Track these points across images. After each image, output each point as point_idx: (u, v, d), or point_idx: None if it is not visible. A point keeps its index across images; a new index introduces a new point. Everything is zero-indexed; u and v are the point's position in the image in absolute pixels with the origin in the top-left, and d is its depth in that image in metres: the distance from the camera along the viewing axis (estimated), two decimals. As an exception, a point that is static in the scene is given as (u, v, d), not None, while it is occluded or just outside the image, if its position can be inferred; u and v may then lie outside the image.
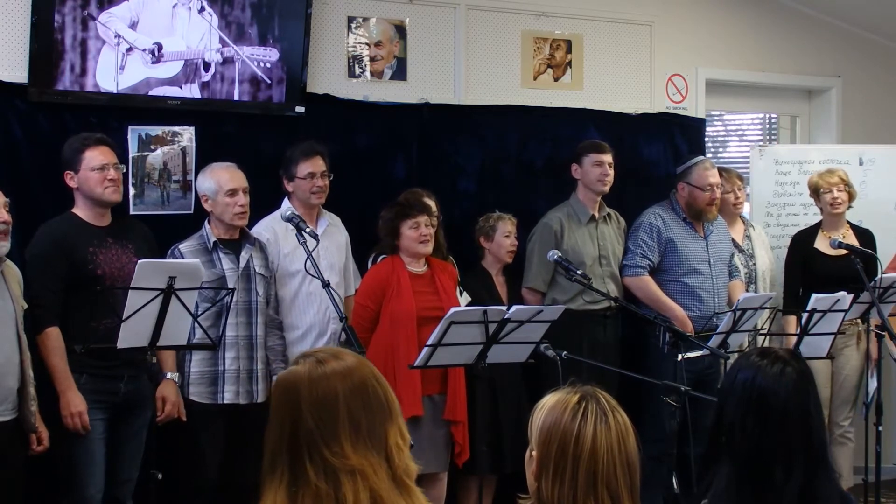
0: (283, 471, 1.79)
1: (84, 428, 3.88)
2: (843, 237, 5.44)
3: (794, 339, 4.71)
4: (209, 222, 4.36)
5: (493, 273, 5.08)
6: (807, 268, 5.53)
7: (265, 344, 4.38)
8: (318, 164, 4.58)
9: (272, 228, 4.53)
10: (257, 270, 4.35)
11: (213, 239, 4.30)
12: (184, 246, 4.27)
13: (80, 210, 4.07)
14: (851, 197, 5.55)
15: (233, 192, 4.29)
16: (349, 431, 1.80)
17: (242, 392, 4.29)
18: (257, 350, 4.33)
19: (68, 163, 4.04)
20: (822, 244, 5.48)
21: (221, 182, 4.30)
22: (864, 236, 5.56)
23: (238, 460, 4.26)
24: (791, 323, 5.35)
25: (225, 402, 4.25)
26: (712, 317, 5.06)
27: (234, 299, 4.12)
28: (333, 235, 4.71)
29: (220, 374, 4.24)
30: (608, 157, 5.19)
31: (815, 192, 5.58)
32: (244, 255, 4.33)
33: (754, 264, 5.59)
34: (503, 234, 5.05)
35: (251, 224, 4.56)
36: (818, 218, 5.73)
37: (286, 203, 4.53)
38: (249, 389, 4.31)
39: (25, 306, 3.78)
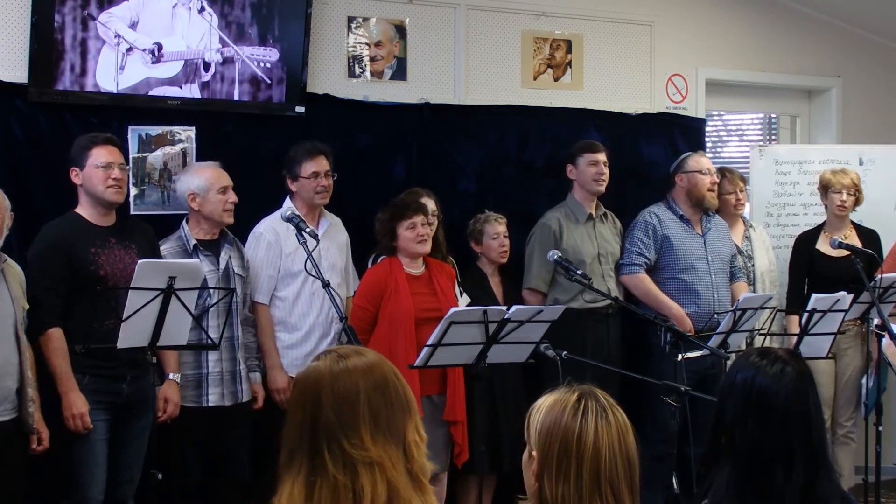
0: (302, 463, 1.80)
1: (85, 429, 3.87)
2: (846, 237, 5.43)
3: (794, 339, 4.70)
4: (187, 222, 4.35)
5: (488, 273, 5.07)
6: (810, 268, 5.52)
7: (243, 343, 4.38)
8: (322, 164, 4.56)
9: (273, 229, 4.50)
10: (235, 271, 4.34)
11: (193, 241, 4.28)
12: (164, 248, 4.25)
13: (84, 209, 4.06)
14: (858, 201, 5.56)
15: (224, 190, 4.31)
16: (369, 424, 1.81)
17: (227, 393, 4.28)
18: (238, 350, 4.33)
19: (74, 159, 4.04)
20: (823, 245, 5.46)
21: (212, 179, 4.30)
22: (868, 237, 5.55)
23: (224, 461, 4.26)
24: (794, 323, 5.34)
25: (210, 404, 4.24)
26: (713, 315, 5.06)
27: (216, 301, 4.11)
28: (334, 236, 4.70)
29: (203, 377, 4.24)
30: (602, 156, 5.19)
31: (825, 189, 5.57)
32: (224, 257, 4.32)
33: (753, 266, 5.58)
34: (491, 237, 5.03)
35: (251, 224, 4.56)
36: (818, 218, 5.72)
37: (287, 203, 4.52)
38: (234, 390, 4.30)
39: (27, 307, 3.77)
